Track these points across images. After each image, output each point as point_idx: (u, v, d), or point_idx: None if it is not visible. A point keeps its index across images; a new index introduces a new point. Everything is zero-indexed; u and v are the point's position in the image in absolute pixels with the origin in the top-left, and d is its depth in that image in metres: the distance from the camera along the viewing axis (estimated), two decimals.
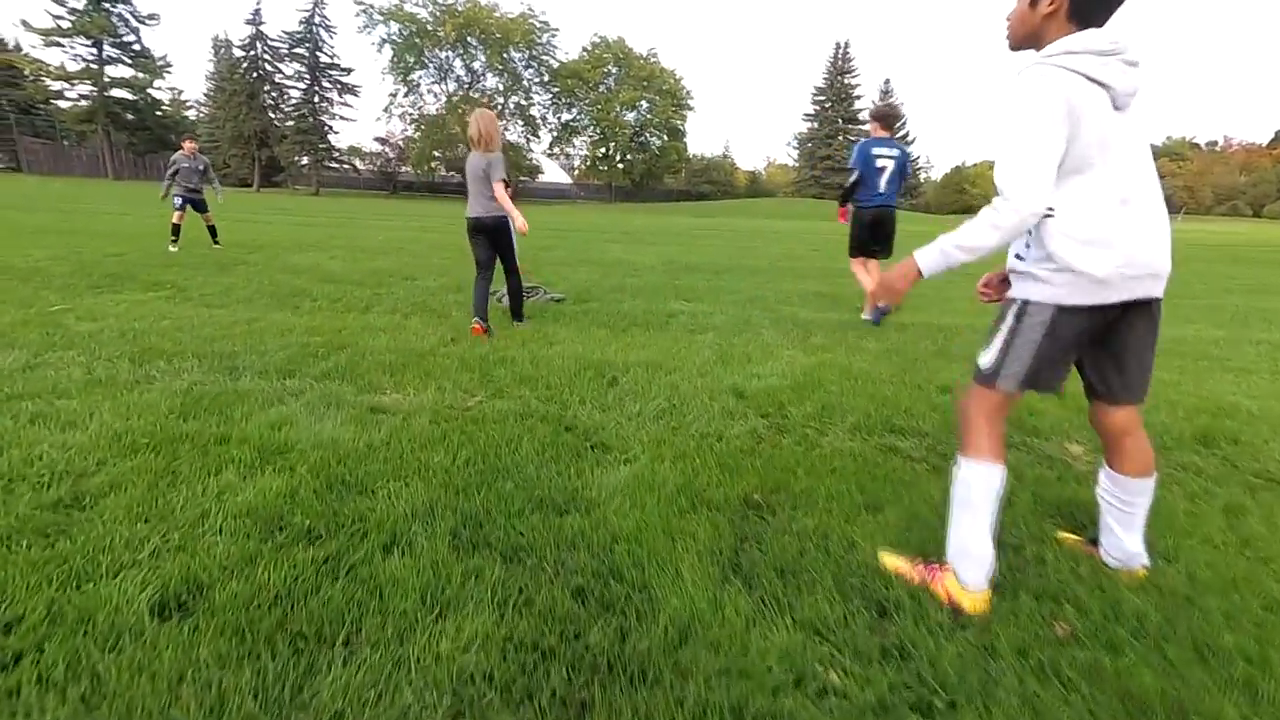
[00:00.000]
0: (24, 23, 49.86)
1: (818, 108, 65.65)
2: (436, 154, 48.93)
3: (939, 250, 1.56)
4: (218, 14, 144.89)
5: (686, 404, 3.20)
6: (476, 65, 49.98)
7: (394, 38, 46.48)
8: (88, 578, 1.63)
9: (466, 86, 49.68)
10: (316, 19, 46.55)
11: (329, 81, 48.02)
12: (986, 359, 1.67)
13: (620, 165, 58.38)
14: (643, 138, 57.88)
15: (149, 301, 5.31)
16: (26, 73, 52.53)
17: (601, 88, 55.10)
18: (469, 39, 47.95)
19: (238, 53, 47.25)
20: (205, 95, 51.46)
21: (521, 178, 60.12)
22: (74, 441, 2.42)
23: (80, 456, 2.31)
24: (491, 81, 51.02)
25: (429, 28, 46.58)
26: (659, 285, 7.47)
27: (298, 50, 46.29)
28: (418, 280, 7.10)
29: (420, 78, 48.86)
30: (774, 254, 13.26)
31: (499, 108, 51.21)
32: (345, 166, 52.55)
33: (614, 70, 55.83)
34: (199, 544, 1.80)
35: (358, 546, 1.82)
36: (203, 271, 7.03)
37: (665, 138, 58.05)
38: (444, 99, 49.48)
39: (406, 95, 49.14)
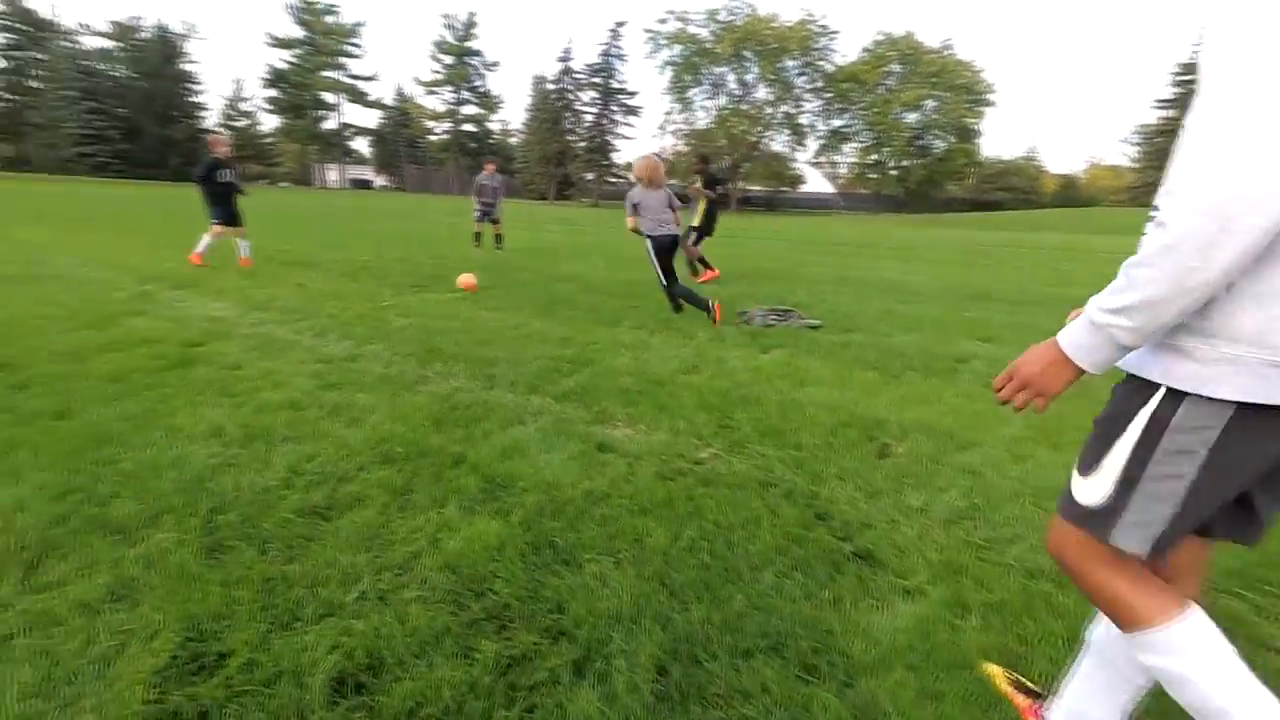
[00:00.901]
0: (416, 79, 66.25)
1: (1178, 91, 51.04)
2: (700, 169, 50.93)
3: (1086, 322, 0.92)
4: (540, 55, 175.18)
5: (994, 506, 2.26)
6: (749, 77, 50.79)
7: (675, 59, 49.91)
8: (296, 619, 1.56)
9: (737, 99, 50.85)
10: (612, 50, 52.58)
11: (616, 105, 53.86)
12: (1091, 490, 0.97)
13: (893, 172, 53.65)
14: (923, 140, 52.25)
15: (448, 302, 6.10)
16: (413, 115, 70.31)
17: (880, 89, 51.26)
18: (744, 52, 48.93)
19: (550, 86, 56.02)
20: (523, 124, 62.28)
21: (781, 188, 59.39)
22: (350, 440, 2.61)
23: (347, 459, 2.45)
24: (762, 93, 51.36)
25: (708, 46, 48.83)
26: (940, 316, 6.17)
27: (595, 79, 52.92)
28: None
29: (694, 95, 51.61)
30: (1104, 279, 10.31)
31: (767, 118, 51.26)
32: (622, 180, 58.37)
33: (897, 69, 51.44)
34: (398, 599, 1.64)
35: (546, 655, 1.47)
36: (490, 273, 7.99)
37: (952, 139, 51.50)
38: (714, 113, 51.44)
39: (680, 112, 52.41)
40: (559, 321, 5.32)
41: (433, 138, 71.71)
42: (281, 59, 63.76)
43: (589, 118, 55.06)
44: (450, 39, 63.61)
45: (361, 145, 78.02)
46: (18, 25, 64.22)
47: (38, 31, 64.77)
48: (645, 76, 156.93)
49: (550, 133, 54.60)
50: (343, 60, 65.27)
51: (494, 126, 69.67)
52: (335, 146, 70.45)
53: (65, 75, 56.18)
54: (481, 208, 10.87)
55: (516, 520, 2.04)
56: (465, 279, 6.85)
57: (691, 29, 49.71)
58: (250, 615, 1.55)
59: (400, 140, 70.90)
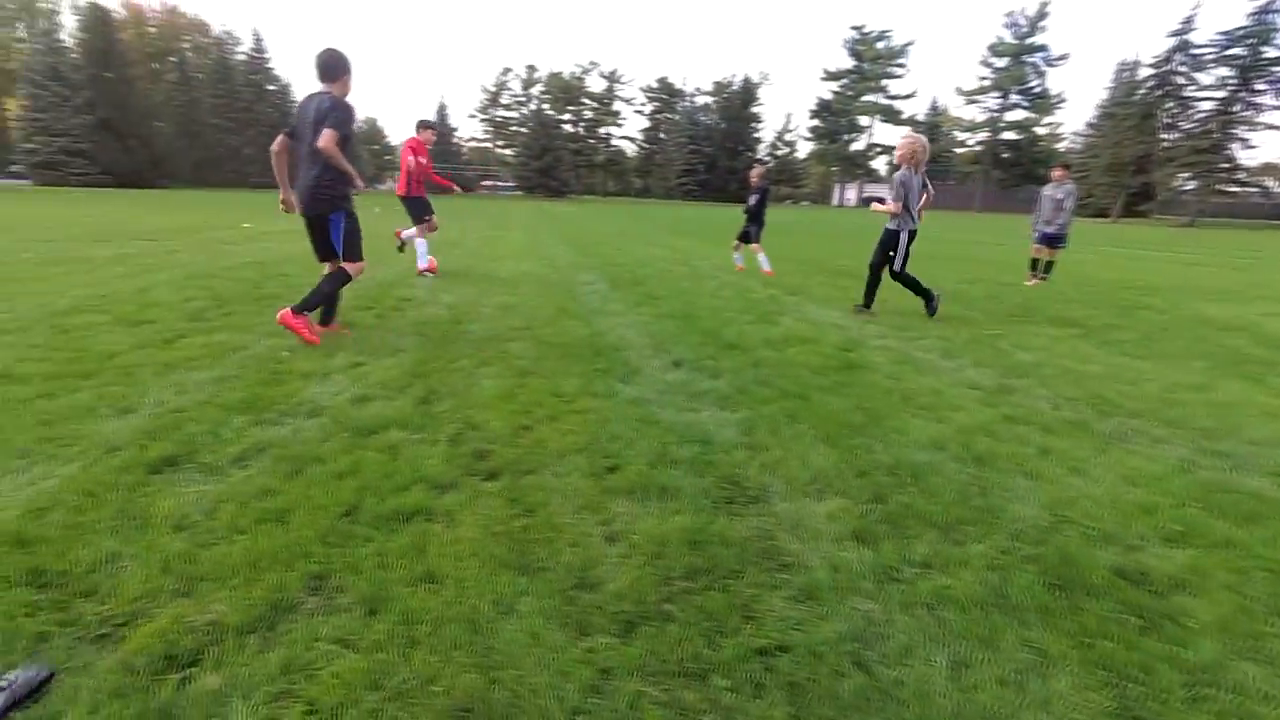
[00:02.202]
0: (958, 89, 62.97)
1: None
2: None
3: None
4: (1130, 38, 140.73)
5: None
6: None
7: None
8: None
9: None
10: (1277, 4, 36.87)
11: (1265, 83, 37.84)
12: None
13: None
14: None
15: (1064, 339, 5.14)
16: (943, 128, 67.49)
17: None
18: None
19: (1145, 71, 44.00)
20: (1088, 125, 51.36)
21: None
22: (1092, 495, 2.21)
23: (1135, 523, 2.04)
24: None
25: None
26: None
27: (1231, 52, 38.45)
28: None
29: None
30: None
31: None
32: (1248, 190, 41.34)
33: None
34: None
35: None
36: (1100, 311, 6.48)
37: None
38: None
39: None
40: (1265, 390, 3.71)
41: (961, 150, 67.53)
42: (830, 90, 70.96)
43: (1205, 107, 40.71)
44: (1009, 39, 57.75)
45: (879, 164, 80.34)
46: (661, 95, 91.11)
47: (669, 97, 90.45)
48: None
49: (1131, 132, 43.07)
50: (884, 83, 67.85)
51: (1041, 131, 60.21)
52: (857, 166, 74.51)
53: (681, 126, 77.20)
54: (1040, 230, 8.42)
55: None
56: None
57: None
58: None
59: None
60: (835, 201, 79.95)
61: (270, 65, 61.51)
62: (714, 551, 1.81)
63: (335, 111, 3.66)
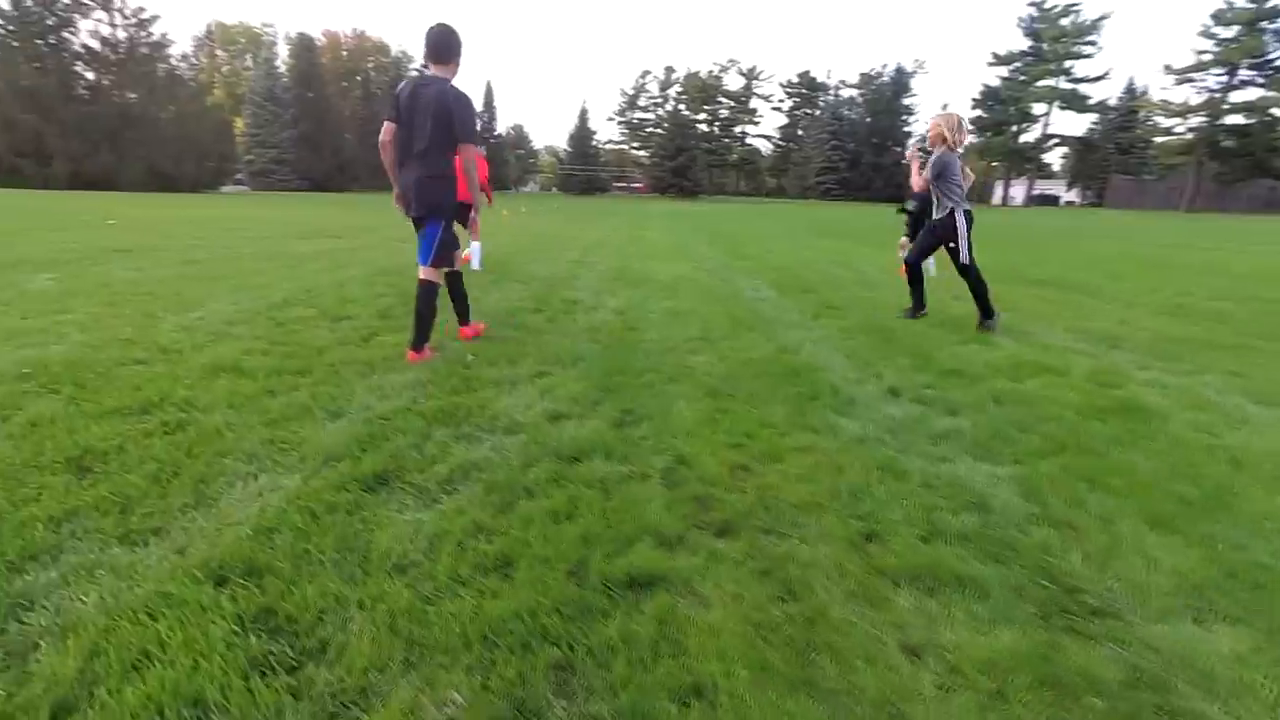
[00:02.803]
0: (1166, 67, 53.64)
1: None
2: None
3: None
4: None
5: None
6: None
7: None
8: None
9: None
10: None
11: None
12: None
13: None
14: None
15: None
16: (1140, 115, 57.81)
17: None
18: None
19: None
20: None
21: None
22: None
23: None
24: None
25: None
26: None
27: None
28: None
29: None
30: None
31: None
32: None
33: None
34: None
35: None
36: None
37: None
38: None
39: None
40: None
41: (1166, 139, 57.45)
42: (998, 76, 63.90)
43: None
44: (1241, 2, 48.16)
45: (1054, 157, 70.98)
46: (801, 91, 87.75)
47: (810, 92, 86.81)
48: None
49: None
50: (1068, 64, 59.74)
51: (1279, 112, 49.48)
52: (1027, 160, 66.40)
53: (822, 122, 73.67)
54: None
55: None
56: None
57: None
58: None
59: (1111, 148, 60.28)
60: (997, 199, 72.04)
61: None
62: (1084, 702, 1.25)
63: (464, 113, 3.27)
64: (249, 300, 5.02)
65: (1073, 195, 69.95)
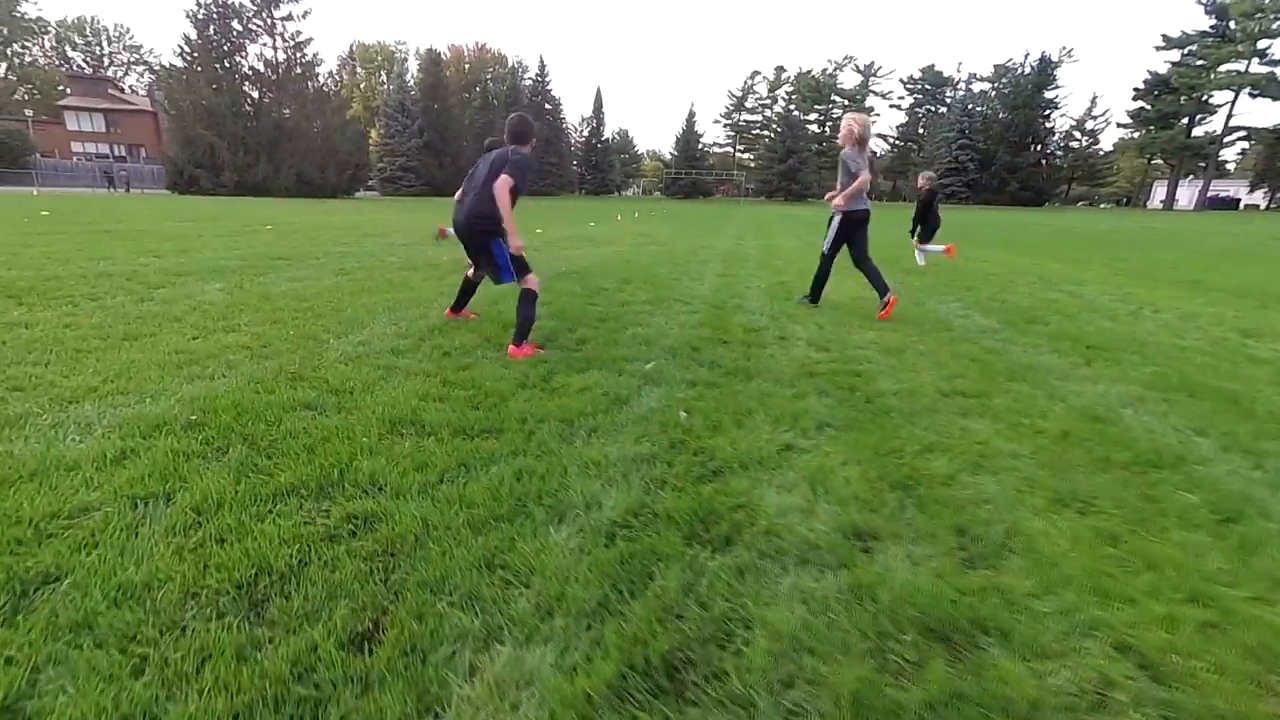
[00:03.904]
0: None
1: None
2: None
3: None
4: None
5: None
6: None
7: None
8: None
9: None
10: None
11: None
12: None
13: None
14: None
15: None
16: None
17: None
18: None
19: None
20: None
21: None
22: None
23: None
24: None
25: None
26: None
27: None
28: None
29: None
30: None
31: None
32: None
33: None
34: None
35: None
36: None
37: None
38: None
39: None
40: None
41: None
42: (1167, 61, 56.11)
43: None
44: None
45: (1230, 154, 61.13)
46: (925, 86, 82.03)
47: (935, 88, 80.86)
48: None
49: None
50: (1263, 44, 51.19)
51: None
52: (1199, 157, 57.68)
53: (948, 120, 68.19)
54: None
55: None
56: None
57: None
58: None
59: None
60: (1155, 202, 63.44)
61: (550, 86, 69.84)
62: None
63: (517, 160, 3.67)
64: (408, 320, 4.62)
65: (1256, 198, 60.09)
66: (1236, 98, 53.80)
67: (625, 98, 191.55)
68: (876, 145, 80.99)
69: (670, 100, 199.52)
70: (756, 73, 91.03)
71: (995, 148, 64.16)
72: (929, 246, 9.43)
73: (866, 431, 2.65)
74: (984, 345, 4.34)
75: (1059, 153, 67.70)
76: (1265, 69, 51.18)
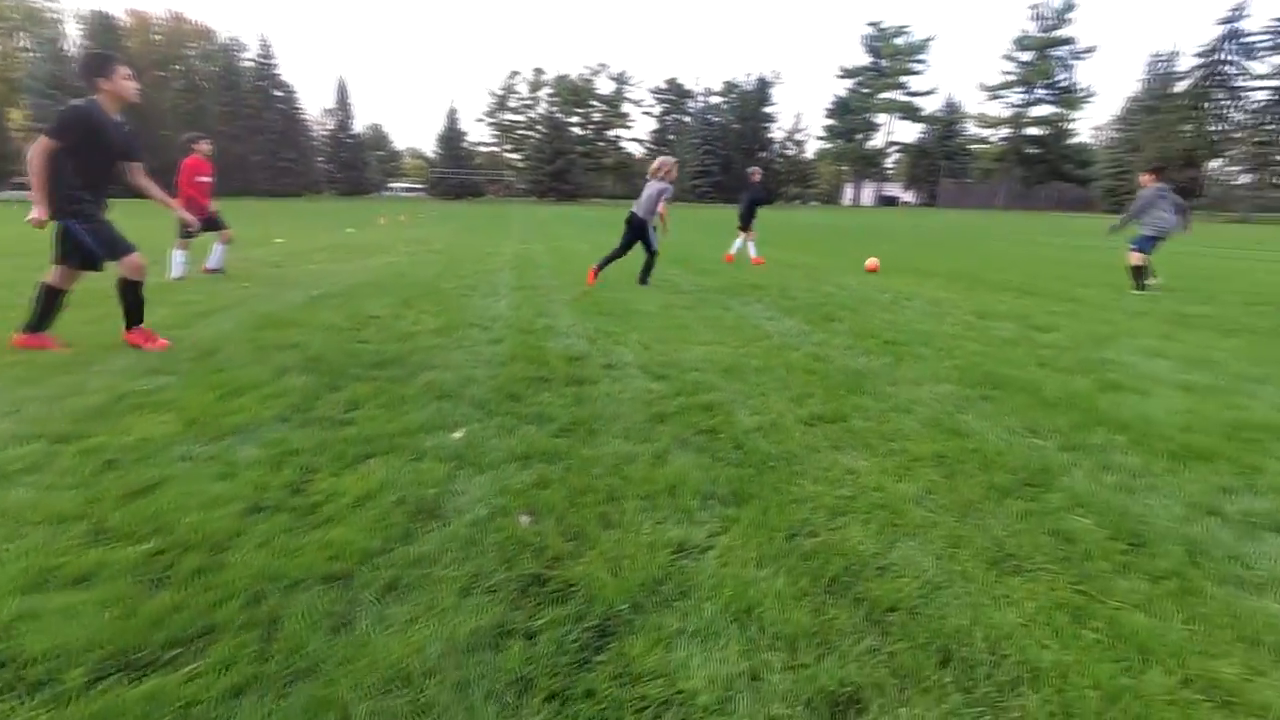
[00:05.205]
0: (980, 84, 61.33)
1: None
2: None
3: None
4: (1166, 29, 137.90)
5: None
6: None
7: None
8: None
9: None
10: None
11: None
12: None
13: None
14: None
15: None
16: (960, 125, 65.75)
17: None
18: None
19: (1191, 61, 42.18)
20: (1117, 118, 49.69)
21: None
22: None
23: None
24: None
25: None
26: None
27: None
28: None
29: None
30: None
31: None
32: None
33: None
34: None
35: None
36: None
37: None
38: None
39: None
40: None
41: (982, 147, 65.73)
42: (846, 87, 69.36)
43: (1259, 98, 38.99)
44: (1034, 31, 56.10)
45: (890, 162, 78.59)
46: (670, 97, 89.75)
47: (680, 98, 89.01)
48: None
49: (1174, 126, 41.34)
50: (903, 79, 66.27)
51: (1076, 126, 58.52)
52: (872, 165, 72.81)
53: (692, 128, 75.60)
54: (1154, 232, 7.42)
55: None
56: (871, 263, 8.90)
57: None
58: None
59: (939, 154, 67.91)
60: (847, 200, 78.33)
61: (277, 71, 60.06)
62: None
63: (62, 111, 3.43)
64: (42, 399, 2.89)
65: (909, 196, 78.00)
66: (891, 119, 69.14)
67: (375, 92, 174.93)
68: (634, 149, 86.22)
69: (427, 97, 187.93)
70: (516, 72, 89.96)
71: (733, 154, 72.93)
72: (738, 244, 10.09)
73: (759, 499, 2.12)
74: (806, 352, 4.25)
75: (779, 159, 79.62)
76: (905, 98, 66.59)
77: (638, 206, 7.09)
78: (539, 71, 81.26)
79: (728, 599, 1.57)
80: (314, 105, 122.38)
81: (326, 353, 3.88)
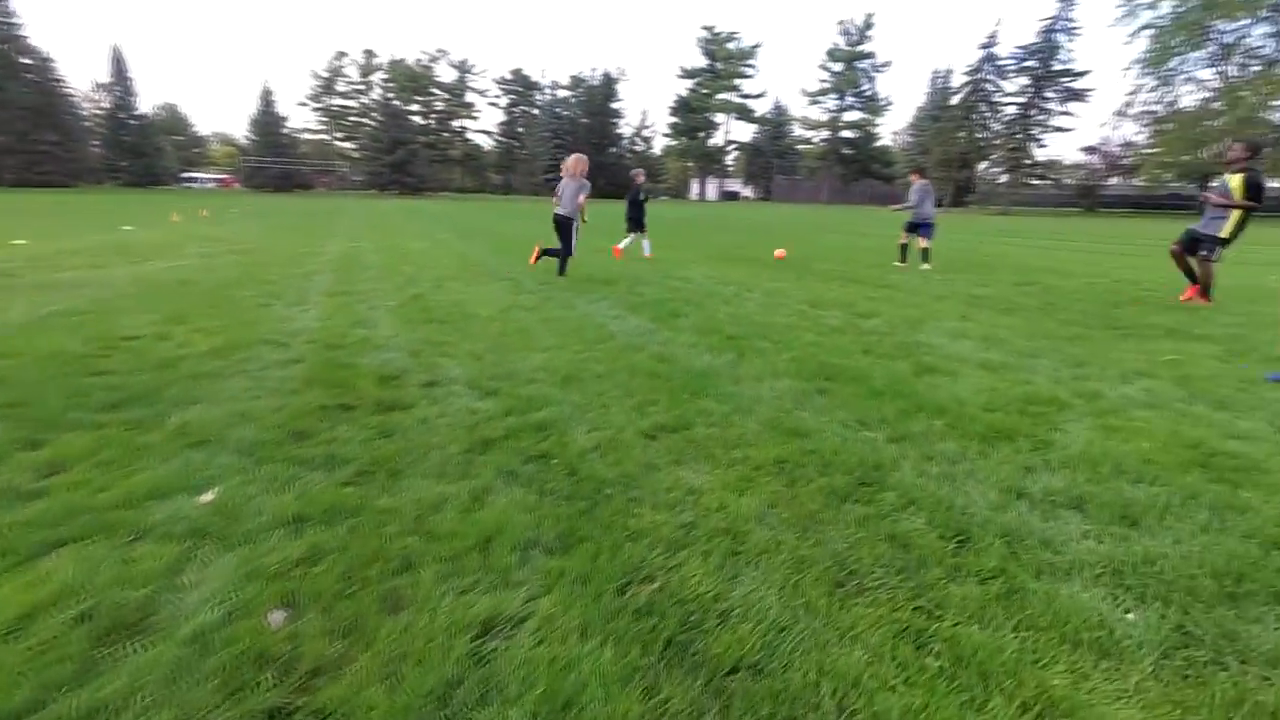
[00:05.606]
0: (803, 90, 67.29)
1: None
2: (1171, 160, 38.72)
3: None
4: (943, 49, 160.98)
5: None
6: None
7: (1158, 21, 38.54)
8: None
9: (1269, 63, 36.44)
10: (1059, 25, 43.47)
11: (1053, 90, 44.52)
12: None
13: None
14: None
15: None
16: (790, 127, 71.91)
17: None
18: None
19: (961, 78, 49.71)
20: (910, 125, 57.25)
21: None
22: None
23: None
24: None
25: None
26: None
27: (1027, 64, 44.63)
28: None
29: (1178, 66, 39.15)
30: None
31: None
32: (1044, 182, 48.41)
33: None
34: None
35: None
36: (1158, 312, 5.94)
37: None
38: (1214, 85, 38.09)
39: (1153, 90, 40.42)
40: None
41: (807, 147, 72.34)
42: (686, 88, 72.32)
43: (1011, 110, 46.96)
44: (843, 45, 62.55)
45: (734, 160, 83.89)
46: (517, 89, 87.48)
47: (526, 90, 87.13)
48: (1101, 56, 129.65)
49: (952, 133, 48.55)
50: (737, 82, 70.55)
51: (880, 131, 66.27)
52: (714, 162, 76.98)
53: (541, 121, 74.44)
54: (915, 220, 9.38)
55: None
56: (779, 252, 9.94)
57: None
58: None
59: (771, 152, 73.67)
60: (694, 195, 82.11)
61: (23, 34, 49.02)
62: None
63: None
64: None
65: (749, 191, 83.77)
66: (729, 119, 73.40)
67: (168, 66, 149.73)
68: (482, 141, 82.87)
69: (237, 76, 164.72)
70: (343, 54, 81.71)
71: (582, 147, 72.94)
72: (628, 240, 10.31)
73: (591, 540, 1.83)
74: (651, 353, 4.08)
75: (629, 155, 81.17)
76: (740, 100, 71.08)
77: (560, 206, 7.36)
78: (370, 54, 74.79)
79: (540, 697, 1.25)
80: (82, 79, 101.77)
81: (38, 391, 2.94)
